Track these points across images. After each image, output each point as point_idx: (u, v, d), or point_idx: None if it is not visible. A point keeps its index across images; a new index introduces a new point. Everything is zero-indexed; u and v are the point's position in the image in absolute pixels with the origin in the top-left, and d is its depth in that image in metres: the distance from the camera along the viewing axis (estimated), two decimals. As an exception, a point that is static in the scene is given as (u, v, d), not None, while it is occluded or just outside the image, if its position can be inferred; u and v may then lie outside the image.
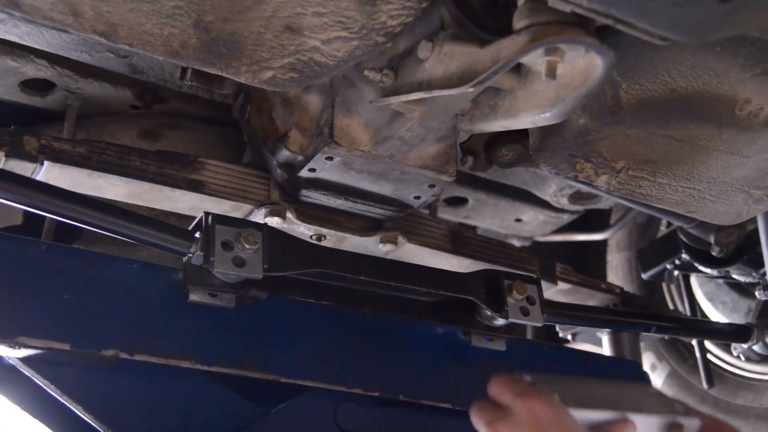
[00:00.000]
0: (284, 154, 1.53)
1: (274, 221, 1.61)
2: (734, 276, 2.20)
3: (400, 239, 1.74)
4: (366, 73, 1.32)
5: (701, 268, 2.21)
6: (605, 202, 2.26)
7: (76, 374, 1.39)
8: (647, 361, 2.65)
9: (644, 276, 2.42)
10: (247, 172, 1.66)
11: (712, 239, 2.05)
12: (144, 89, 1.79)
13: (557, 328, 2.20)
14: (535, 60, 1.07)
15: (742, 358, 2.31)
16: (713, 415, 1.51)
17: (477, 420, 1.29)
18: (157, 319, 1.46)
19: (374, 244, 1.73)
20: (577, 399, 1.28)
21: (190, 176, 1.59)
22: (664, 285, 2.77)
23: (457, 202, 2.26)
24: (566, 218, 2.41)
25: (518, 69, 1.19)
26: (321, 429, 1.60)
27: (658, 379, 2.65)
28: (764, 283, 2.10)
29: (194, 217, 1.44)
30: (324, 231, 1.68)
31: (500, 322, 1.64)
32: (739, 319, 2.45)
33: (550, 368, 1.86)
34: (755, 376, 2.45)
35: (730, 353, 2.42)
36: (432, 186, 1.56)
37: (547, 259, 2.05)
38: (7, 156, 1.45)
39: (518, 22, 1.06)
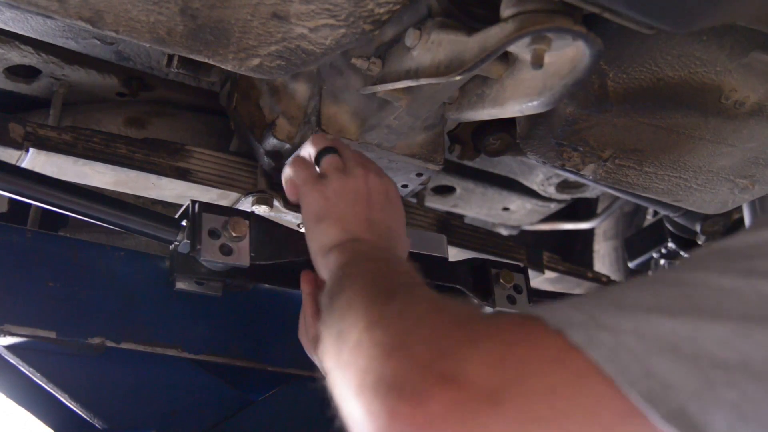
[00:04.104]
0: (271, 142, 1.53)
1: (261, 209, 1.61)
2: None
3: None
4: (353, 61, 1.32)
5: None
6: (592, 191, 2.26)
7: (62, 362, 1.39)
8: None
9: (631, 265, 2.43)
10: (234, 160, 1.65)
11: (698, 228, 2.06)
12: (130, 76, 1.78)
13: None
14: (523, 48, 1.07)
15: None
16: None
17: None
18: (144, 308, 1.46)
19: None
20: None
21: (176, 164, 1.58)
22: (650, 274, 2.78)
23: (445, 190, 2.26)
24: (553, 207, 2.41)
25: (506, 57, 1.19)
26: (308, 417, 1.60)
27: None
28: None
29: (181, 205, 1.44)
30: (311, 219, 1.68)
31: (487, 310, 1.64)
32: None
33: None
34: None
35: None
36: (419, 174, 1.56)
37: (534, 247, 2.05)
38: (-9, 143, 1.44)
39: (506, 11, 1.06)
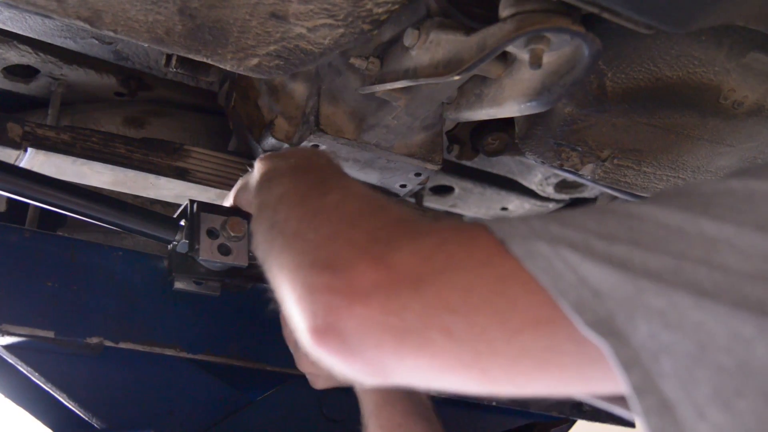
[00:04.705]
0: (270, 142, 1.53)
1: (259, 209, 1.61)
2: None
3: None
4: (352, 60, 1.32)
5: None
6: (591, 191, 2.26)
7: (60, 362, 1.39)
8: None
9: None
10: (233, 160, 1.65)
11: (696, 228, 2.06)
12: (129, 76, 1.78)
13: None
14: (521, 48, 1.07)
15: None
16: None
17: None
18: (142, 307, 1.46)
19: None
20: None
21: (175, 164, 1.58)
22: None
23: (443, 190, 2.26)
24: (552, 207, 2.40)
25: (504, 57, 1.19)
26: (306, 417, 1.60)
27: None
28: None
29: (180, 205, 1.44)
30: (310, 219, 1.68)
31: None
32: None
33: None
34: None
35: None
36: (418, 174, 1.56)
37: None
38: (-10, 143, 1.44)
39: (504, 10, 1.06)
